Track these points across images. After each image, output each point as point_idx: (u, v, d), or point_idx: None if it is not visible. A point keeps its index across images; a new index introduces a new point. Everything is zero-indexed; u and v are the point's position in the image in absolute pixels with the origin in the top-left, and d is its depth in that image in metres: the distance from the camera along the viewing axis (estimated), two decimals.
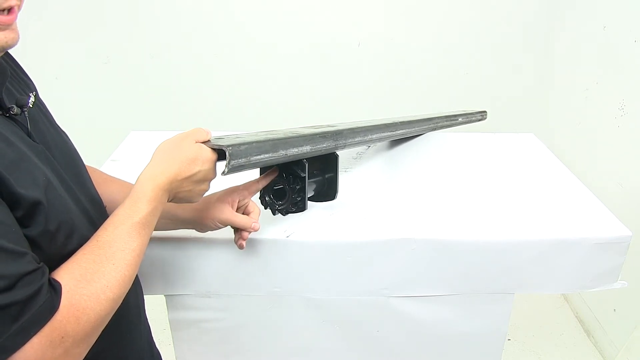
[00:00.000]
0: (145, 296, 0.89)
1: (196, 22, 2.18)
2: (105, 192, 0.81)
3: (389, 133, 1.24)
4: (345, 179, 1.21)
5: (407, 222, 1.04)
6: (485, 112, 1.66)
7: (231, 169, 0.75)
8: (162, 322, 1.12)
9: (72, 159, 0.70)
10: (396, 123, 1.26)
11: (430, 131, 1.47)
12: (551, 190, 1.18)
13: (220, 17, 2.17)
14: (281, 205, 0.91)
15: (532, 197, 1.15)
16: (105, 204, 0.79)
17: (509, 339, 1.92)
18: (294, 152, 0.88)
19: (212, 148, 0.74)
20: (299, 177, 0.91)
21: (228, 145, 0.74)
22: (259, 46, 2.23)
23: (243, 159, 0.77)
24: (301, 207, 0.92)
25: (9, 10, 0.56)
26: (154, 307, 1.19)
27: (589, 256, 1.02)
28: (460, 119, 1.56)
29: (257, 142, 0.80)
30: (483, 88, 2.33)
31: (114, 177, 0.90)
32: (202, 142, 0.74)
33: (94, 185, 0.75)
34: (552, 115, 2.29)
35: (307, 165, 0.90)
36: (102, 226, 0.63)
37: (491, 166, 1.29)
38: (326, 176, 1.03)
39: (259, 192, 0.93)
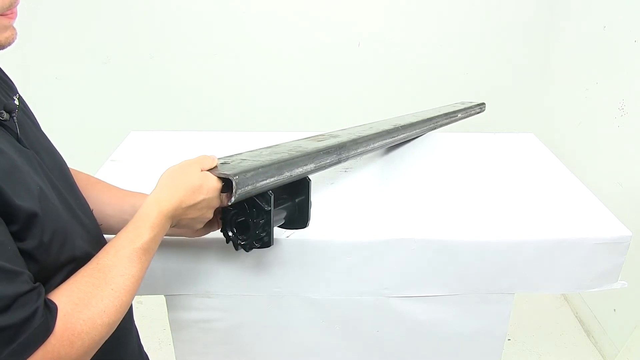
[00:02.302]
0: (145, 296, 0.89)
1: (196, 22, 2.18)
2: (90, 194, 0.81)
3: (390, 139, 1.24)
4: (345, 179, 1.21)
5: (407, 222, 1.04)
6: (484, 104, 1.66)
7: (238, 198, 0.74)
8: (162, 322, 1.12)
9: (59, 162, 0.70)
10: (397, 128, 1.26)
11: (431, 131, 1.47)
12: (551, 190, 1.18)
13: (220, 17, 2.17)
14: (244, 240, 0.83)
15: (532, 197, 1.15)
16: (92, 207, 0.78)
17: (509, 339, 1.91)
18: (298, 172, 0.87)
19: (217, 176, 0.74)
20: (263, 210, 0.80)
21: (234, 175, 0.73)
22: (259, 46, 2.23)
23: (249, 187, 0.76)
24: (267, 243, 0.82)
25: (10, 9, 0.58)
26: (154, 307, 1.19)
27: (589, 256, 1.02)
28: (459, 115, 1.55)
29: (262, 167, 0.79)
30: (483, 88, 2.33)
31: (98, 179, 0.89)
32: (208, 169, 0.74)
33: (78, 187, 0.74)
34: (552, 115, 2.29)
35: (272, 197, 0.80)
36: (103, 249, 0.63)
37: (491, 166, 1.29)
38: (296, 200, 0.92)
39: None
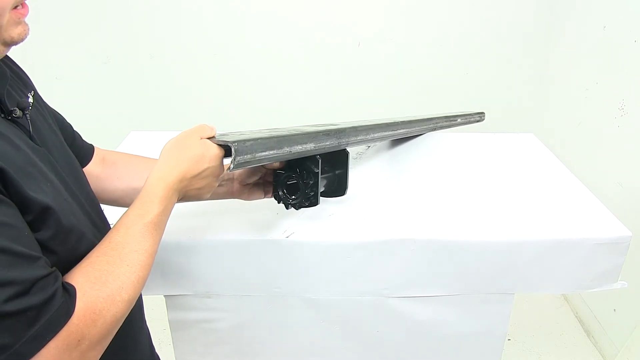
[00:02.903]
0: (145, 296, 0.89)
1: (196, 22, 2.18)
2: (135, 169, 0.87)
3: (390, 132, 1.24)
4: None
5: (407, 222, 1.04)
6: (483, 113, 1.67)
7: (237, 165, 0.75)
8: (162, 322, 1.12)
9: (71, 160, 0.70)
10: (397, 122, 1.27)
11: (430, 131, 1.47)
12: (551, 190, 1.18)
13: (220, 17, 2.17)
14: (294, 199, 0.92)
15: (532, 197, 1.15)
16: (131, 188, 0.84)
17: (509, 339, 1.92)
18: (298, 149, 0.89)
19: (217, 144, 0.74)
20: (312, 172, 0.92)
21: (234, 142, 0.74)
22: (259, 46, 2.23)
23: (248, 155, 0.77)
24: (314, 202, 0.93)
25: (22, 4, 0.58)
26: (154, 307, 1.19)
27: (589, 256, 1.02)
28: (459, 119, 1.56)
29: (262, 138, 0.80)
30: (483, 88, 2.33)
31: (136, 157, 0.92)
32: (207, 138, 0.74)
33: (89, 185, 0.74)
34: (552, 115, 2.29)
35: (320, 161, 0.92)
36: (113, 227, 0.63)
37: (491, 166, 1.29)
38: (336, 172, 1.04)
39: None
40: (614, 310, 1.83)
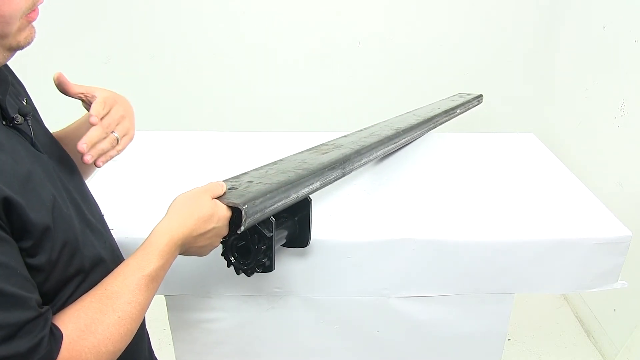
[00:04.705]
0: None
1: (196, 22, 2.18)
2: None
3: (392, 146, 1.24)
4: (345, 179, 1.21)
5: (407, 222, 1.04)
6: (481, 96, 1.66)
7: (247, 226, 0.75)
8: (162, 322, 1.12)
9: (70, 165, 0.70)
10: (399, 132, 1.26)
11: (431, 130, 1.47)
12: (551, 190, 1.18)
13: (219, 17, 2.17)
14: (245, 265, 0.82)
15: (532, 197, 1.15)
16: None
17: (509, 339, 1.91)
18: (304, 192, 0.88)
19: (227, 205, 0.74)
20: (264, 236, 0.81)
21: (244, 203, 0.74)
22: (259, 46, 2.23)
23: (258, 214, 0.77)
24: (268, 267, 0.82)
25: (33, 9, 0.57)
26: (154, 307, 1.19)
27: (589, 256, 1.02)
28: (458, 110, 1.55)
29: (270, 191, 0.79)
30: (483, 88, 2.32)
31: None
32: (217, 197, 0.75)
33: (88, 188, 0.74)
34: (552, 115, 2.29)
35: (274, 223, 0.81)
36: (111, 274, 0.63)
37: (491, 166, 1.29)
38: (296, 218, 0.92)
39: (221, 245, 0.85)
40: (614, 310, 1.82)
